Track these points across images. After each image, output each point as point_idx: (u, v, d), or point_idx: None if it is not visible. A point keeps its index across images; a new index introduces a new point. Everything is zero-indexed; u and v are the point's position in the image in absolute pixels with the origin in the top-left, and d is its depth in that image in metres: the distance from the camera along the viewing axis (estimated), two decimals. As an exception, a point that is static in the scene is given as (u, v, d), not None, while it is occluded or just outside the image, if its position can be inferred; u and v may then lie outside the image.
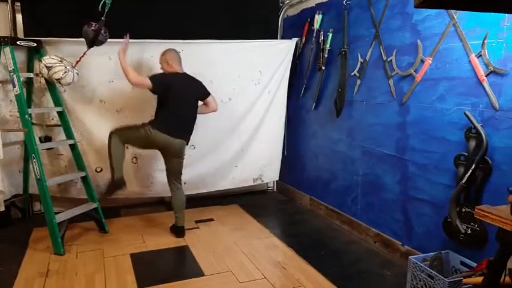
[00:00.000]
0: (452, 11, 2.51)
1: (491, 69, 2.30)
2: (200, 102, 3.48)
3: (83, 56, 3.21)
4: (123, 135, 3.31)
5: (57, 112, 3.48)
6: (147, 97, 3.40)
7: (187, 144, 3.40)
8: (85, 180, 3.49)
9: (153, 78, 3.16)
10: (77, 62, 3.24)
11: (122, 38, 3.25)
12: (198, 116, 3.99)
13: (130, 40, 3.39)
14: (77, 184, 3.69)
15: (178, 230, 3.47)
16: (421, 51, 2.74)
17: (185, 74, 3.35)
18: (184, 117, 3.36)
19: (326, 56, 3.71)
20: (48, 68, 3.13)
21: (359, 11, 3.34)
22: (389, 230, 3.15)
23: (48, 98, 3.53)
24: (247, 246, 3.27)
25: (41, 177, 3.09)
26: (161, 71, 3.33)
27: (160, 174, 3.81)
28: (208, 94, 3.48)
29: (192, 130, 3.43)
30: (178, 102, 3.27)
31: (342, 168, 3.69)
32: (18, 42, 3.22)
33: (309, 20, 3.99)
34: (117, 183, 3.35)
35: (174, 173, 3.41)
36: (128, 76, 3.13)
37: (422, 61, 2.75)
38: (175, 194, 3.44)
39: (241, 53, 4.06)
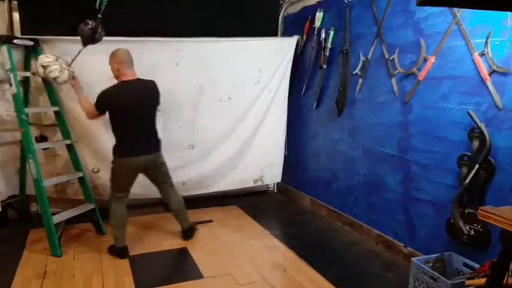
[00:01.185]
0: (455, 9, 2.47)
1: (495, 68, 2.26)
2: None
3: (78, 54, 3.18)
4: (117, 191, 3.03)
5: (54, 112, 3.44)
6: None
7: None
8: (82, 180, 3.46)
9: (97, 103, 2.94)
10: (72, 60, 3.21)
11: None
12: (198, 116, 3.98)
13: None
14: (74, 185, 3.66)
15: (190, 232, 3.39)
16: (424, 50, 2.70)
17: (137, 81, 2.98)
18: (142, 132, 3.03)
19: (327, 54, 3.67)
20: (44, 67, 3.10)
21: (361, 9, 3.30)
22: (391, 231, 3.11)
23: (45, 98, 3.50)
24: (247, 248, 3.24)
25: (37, 178, 3.05)
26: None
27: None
28: (159, 103, 3.14)
29: (159, 140, 3.13)
30: (129, 119, 2.94)
31: (343, 168, 3.65)
32: (15, 41, 3.19)
33: (309, 17, 3.95)
34: (120, 251, 3.06)
35: (162, 180, 3.24)
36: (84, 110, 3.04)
37: (425, 59, 2.71)
38: (174, 197, 3.31)
39: (241, 51, 4.02)
